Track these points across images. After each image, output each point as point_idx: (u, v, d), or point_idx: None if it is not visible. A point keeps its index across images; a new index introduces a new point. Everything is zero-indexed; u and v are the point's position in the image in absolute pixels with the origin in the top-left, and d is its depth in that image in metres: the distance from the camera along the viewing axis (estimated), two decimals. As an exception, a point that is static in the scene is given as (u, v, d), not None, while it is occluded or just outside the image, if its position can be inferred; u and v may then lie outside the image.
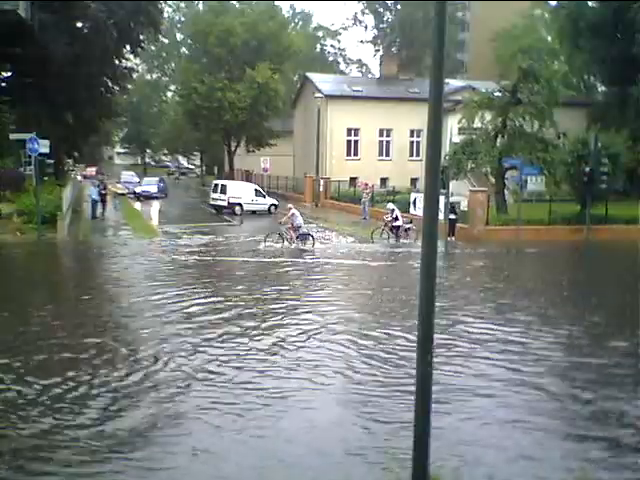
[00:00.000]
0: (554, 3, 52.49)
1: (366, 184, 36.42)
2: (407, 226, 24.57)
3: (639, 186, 34.48)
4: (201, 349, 9.95)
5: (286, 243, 22.42)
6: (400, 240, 24.22)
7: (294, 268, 18.34)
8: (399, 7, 72.48)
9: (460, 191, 27.50)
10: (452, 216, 24.20)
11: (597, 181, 25.41)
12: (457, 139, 32.45)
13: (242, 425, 7.22)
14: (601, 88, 48.99)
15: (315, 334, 10.94)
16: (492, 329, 11.66)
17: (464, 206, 26.36)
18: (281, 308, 12.93)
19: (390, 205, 25.90)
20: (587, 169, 25.40)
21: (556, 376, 9.26)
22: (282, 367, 9.25)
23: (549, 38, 57.32)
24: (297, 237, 22.63)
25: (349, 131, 45.31)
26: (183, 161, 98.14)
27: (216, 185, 36.80)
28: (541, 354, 10.15)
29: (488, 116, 29.13)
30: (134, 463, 6.32)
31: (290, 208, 23.51)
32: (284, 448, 6.69)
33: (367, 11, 75.90)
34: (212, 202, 36.10)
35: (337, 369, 9.19)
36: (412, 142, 46.05)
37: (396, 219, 24.39)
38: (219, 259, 19.91)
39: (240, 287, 15.24)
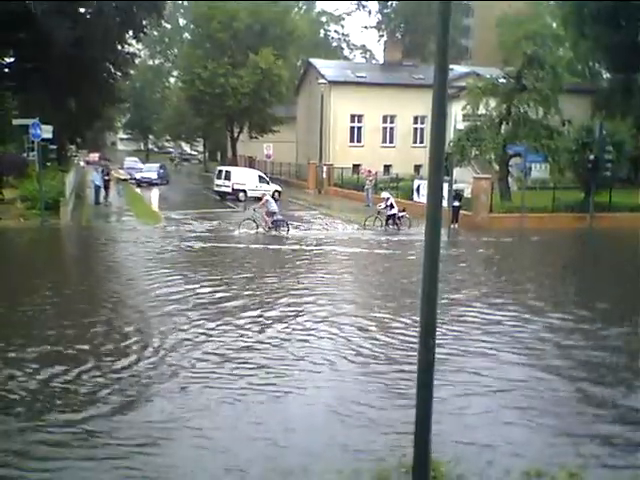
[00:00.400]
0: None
1: (369, 171, 36.36)
2: (401, 214, 24.63)
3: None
4: (208, 337, 10.00)
5: (260, 229, 22.47)
6: (397, 228, 24.26)
7: (291, 254, 18.38)
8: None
9: (464, 178, 27.44)
10: (456, 203, 24.15)
11: (601, 169, 25.30)
12: (461, 126, 32.32)
13: (247, 414, 7.25)
14: (606, 75, 48.70)
15: (314, 318, 11.02)
16: (490, 314, 11.76)
17: (468, 193, 26.30)
18: (282, 295, 12.99)
19: (385, 193, 26.13)
20: (591, 157, 25.29)
21: (555, 362, 9.27)
22: (288, 353, 9.32)
23: (554, 24, 56.97)
24: (272, 223, 22.65)
25: (352, 117, 45.17)
26: (186, 147, 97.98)
27: (220, 171, 36.76)
28: (537, 339, 10.23)
29: (493, 103, 28.98)
30: (142, 457, 6.23)
31: (264, 194, 23.65)
32: (290, 436, 6.73)
33: (371, -4, 75.49)
34: (216, 188, 36.09)
35: (338, 354, 9.24)
36: (416, 129, 45.92)
37: (391, 207, 24.49)
38: (219, 245, 19.90)
39: (240, 272, 15.30)
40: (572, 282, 16.32)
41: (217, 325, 10.58)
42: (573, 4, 42.51)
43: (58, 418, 7.02)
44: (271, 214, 22.73)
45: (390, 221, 24.43)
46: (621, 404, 7.80)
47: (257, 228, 22.50)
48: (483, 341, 10.09)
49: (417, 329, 9.43)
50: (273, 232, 22.39)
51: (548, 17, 59.75)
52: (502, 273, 16.86)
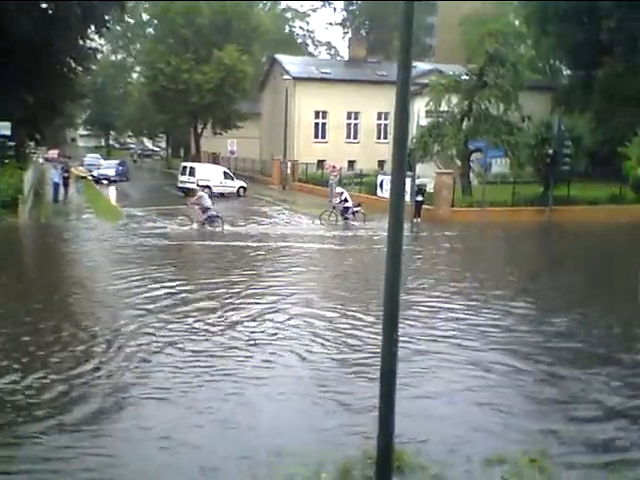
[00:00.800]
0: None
1: (334, 166, 36.51)
2: (355, 209, 24.92)
3: (601, 168, 35.23)
4: (173, 337, 9.93)
5: (195, 225, 22.49)
6: (348, 222, 24.61)
7: (251, 250, 18.45)
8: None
9: (426, 173, 27.76)
10: (419, 198, 24.49)
11: (560, 163, 25.90)
12: (424, 122, 32.62)
13: (213, 414, 7.19)
14: (566, 72, 49.65)
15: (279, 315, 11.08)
16: (448, 303, 12.14)
17: (430, 188, 26.65)
18: (244, 290, 13.00)
19: (339, 188, 26.84)
20: (550, 151, 25.85)
21: (506, 351, 9.49)
22: (254, 354, 9.34)
23: (517, 22, 57.74)
24: (206, 219, 22.66)
25: (317, 114, 45.23)
26: (148, 143, 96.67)
27: (184, 167, 36.47)
28: (492, 326, 10.69)
29: (455, 99, 29.34)
30: (113, 470, 6.11)
31: (197, 191, 23.93)
32: (258, 435, 6.75)
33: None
34: (180, 185, 35.73)
35: (300, 349, 9.29)
36: (380, 125, 46.21)
37: (345, 201, 24.82)
38: (180, 243, 19.77)
39: (201, 270, 15.26)
40: (529, 272, 16.70)
41: (182, 325, 10.45)
42: (537, 3, 43.20)
43: (22, 431, 6.64)
44: (205, 210, 22.72)
45: (345, 215, 24.74)
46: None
47: (191, 224, 22.51)
48: (441, 329, 10.44)
49: (371, 320, 9.69)
50: (207, 227, 22.43)
51: (511, 15, 60.52)
52: (461, 265, 17.18)
